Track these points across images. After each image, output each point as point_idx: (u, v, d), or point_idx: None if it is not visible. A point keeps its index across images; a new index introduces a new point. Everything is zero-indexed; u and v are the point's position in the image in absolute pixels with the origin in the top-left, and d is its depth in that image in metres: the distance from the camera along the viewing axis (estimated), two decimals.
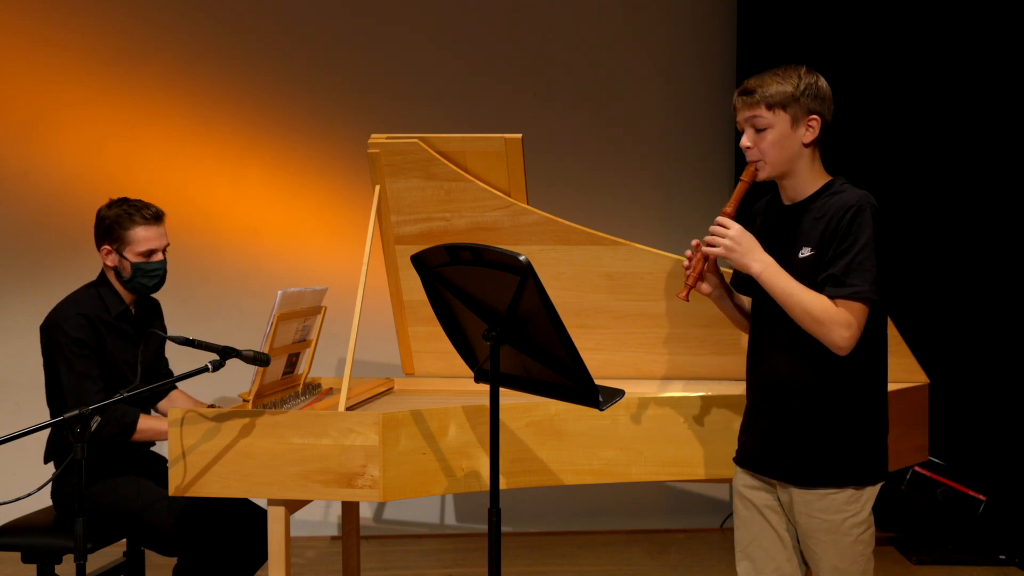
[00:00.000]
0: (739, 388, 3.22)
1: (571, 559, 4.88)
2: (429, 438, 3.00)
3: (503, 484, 2.98)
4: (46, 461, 3.41)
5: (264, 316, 3.21)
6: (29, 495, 2.74)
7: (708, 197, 5.21)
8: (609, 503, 5.21)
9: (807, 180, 2.54)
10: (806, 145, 2.52)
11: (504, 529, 2.54)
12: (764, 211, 2.69)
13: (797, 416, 2.52)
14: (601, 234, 3.48)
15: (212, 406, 3.58)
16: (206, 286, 5.14)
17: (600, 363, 3.51)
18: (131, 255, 3.32)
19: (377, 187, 3.47)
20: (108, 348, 3.32)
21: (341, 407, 3.01)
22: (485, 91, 5.27)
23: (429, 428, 3.00)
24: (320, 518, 5.16)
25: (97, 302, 3.35)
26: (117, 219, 3.32)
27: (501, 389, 2.51)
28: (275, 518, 2.96)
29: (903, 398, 3.20)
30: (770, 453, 2.57)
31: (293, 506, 3.02)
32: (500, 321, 2.43)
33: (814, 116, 2.51)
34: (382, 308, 3.86)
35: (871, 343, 2.49)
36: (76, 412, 2.58)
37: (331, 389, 3.63)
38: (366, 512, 5.20)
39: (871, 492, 2.53)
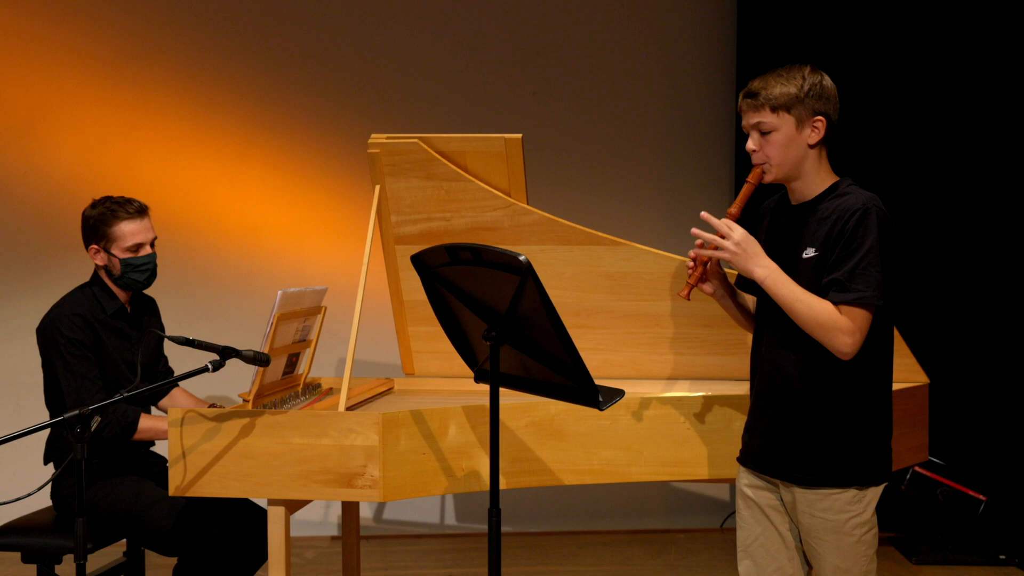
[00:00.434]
0: (739, 388, 3.23)
1: (571, 559, 4.88)
2: (429, 438, 3.00)
3: (503, 484, 2.98)
4: (46, 462, 3.41)
5: (264, 316, 3.21)
6: (29, 495, 2.74)
7: (708, 197, 5.21)
8: (609, 503, 5.21)
9: (814, 181, 2.54)
10: (812, 146, 2.51)
11: (504, 529, 2.55)
12: (772, 210, 2.69)
13: (801, 416, 2.52)
14: (601, 234, 3.48)
15: (213, 405, 3.59)
16: (206, 286, 5.14)
17: (600, 363, 3.51)
18: (118, 251, 3.32)
19: (377, 187, 3.47)
20: (105, 347, 3.32)
21: (341, 407, 3.01)
22: (485, 91, 5.27)
23: (429, 428, 3.00)
24: (320, 518, 5.16)
25: (92, 302, 3.34)
26: (101, 217, 3.32)
27: (501, 389, 2.51)
28: (275, 518, 2.96)
29: (903, 398, 3.20)
30: (774, 453, 2.57)
31: (293, 506, 3.02)
32: (500, 321, 2.43)
33: (819, 117, 2.49)
34: (382, 308, 3.86)
35: (876, 345, 2.49)
36: (76, 412, 2.57)
37: (331, 389, 3.63)
38: (366, 512, 5.20)
39: (874, 493, 2.53)
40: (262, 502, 3.06)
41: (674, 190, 5.33)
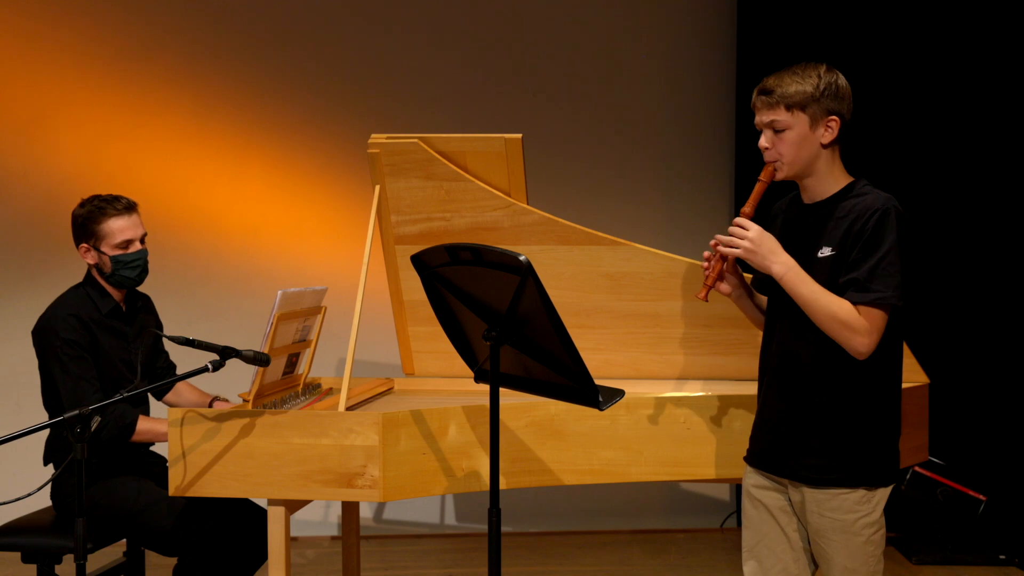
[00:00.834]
0: (740, 388, 3.23)
1: (571, 559, 4.88)
2: (429, 438, 3.00)
3: (503, 484, 2.98)
4: (45, 463, 3.41)
5: (264, 316, 3.21)
6: (29, 495, 2.74)
7: (708, 197, 5.19)
8: (609, 503, 5.21)
9: (827, 180, 2.53)
10: (825, 146, 2.50)
11: (504, 529, 2.54)
12: (785, 209, 2.68)
13: (812, 415, 2.51)
14: (601, 234, 3.48)
15: (217, 397, 3.59)
16: (206, 286, 5.14)
17: (600, 363, 3.51)
18: (108, 248, 3.31)
19: (377, 187, 3.47)
20: (102, 347, 3.31)
21: (341, 407, 3.01)
22: (485, 91, 5.27)
23: (429, 428, 3.00)
24: (320, 518, 5.16)
25: (87, 302, 3.33)
26: (89, 215, 3.31)
27: (501, 389, 2.51)
28: (275, 518, 2.96)
29: (903, 398, 3.20)
30: (783, 452, 2.56)
31: (293, 506, 3.02)
32: (500, 321, 2.43)
33: (833, 117, 2.48)
34: (382, 308, 3.86)
35: (888, 345, 2.48)
36: (76, 412, 2.57)
37: (331, 389, 3.63)
38: (366, 512, 5.20)
39: (883, 493, 2.53)
40: (262, 502, 3.05)
41: (674, 190, 5.33)
